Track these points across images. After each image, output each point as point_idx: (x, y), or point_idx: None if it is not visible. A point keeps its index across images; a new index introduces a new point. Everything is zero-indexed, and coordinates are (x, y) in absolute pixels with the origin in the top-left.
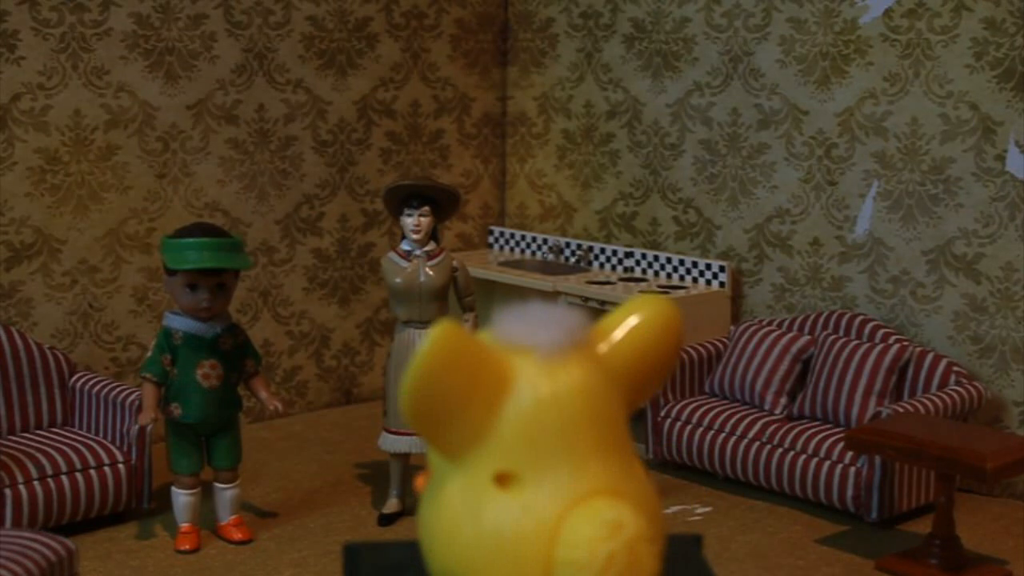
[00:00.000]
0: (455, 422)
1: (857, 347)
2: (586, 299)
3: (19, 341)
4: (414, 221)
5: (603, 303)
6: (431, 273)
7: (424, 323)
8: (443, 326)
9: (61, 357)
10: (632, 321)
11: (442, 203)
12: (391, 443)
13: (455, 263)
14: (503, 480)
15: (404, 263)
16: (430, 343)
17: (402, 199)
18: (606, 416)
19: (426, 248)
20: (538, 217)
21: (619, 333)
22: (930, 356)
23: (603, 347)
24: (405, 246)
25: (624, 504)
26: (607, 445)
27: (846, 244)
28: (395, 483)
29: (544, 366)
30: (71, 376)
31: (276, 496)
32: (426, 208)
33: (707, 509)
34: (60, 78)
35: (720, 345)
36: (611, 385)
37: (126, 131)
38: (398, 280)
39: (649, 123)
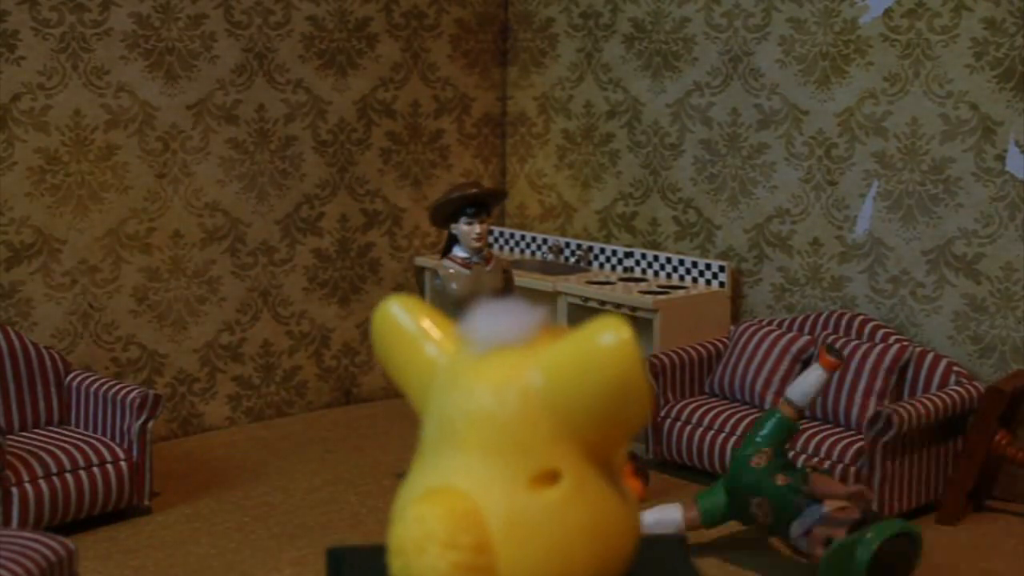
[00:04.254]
0: (404, 387)
1: (857, 347)
2: (586, 299)
3: (15, 340)
4: (477, 229)
5: (603, 303)
6: (492, 278)
7: None
8: (388, 301)
9: (57, 356)
10: (580, 358)
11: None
12: None
13: (506, 266)
14: (416, 458)
15: (465, 271)
16: (375, 314)
17: (459, 208)
18: (509, 421)
19: (483, 254)
20: (538, 217)
21: (562, 364)
22: (930, 356)
23: (539, 376)
24: (461, 252)
25: (441, 505)
26: (489, 448)
27: (846, 244)
28: None
29: (474, 358)
30: (67, 375)
31: (276, 495)
32: (485, 215)
33: None
34: (60, 78)
35: (720, 345)
36: (535, 395)
37: (126, 131)
38: (454, 286)
39: (649, 123)
